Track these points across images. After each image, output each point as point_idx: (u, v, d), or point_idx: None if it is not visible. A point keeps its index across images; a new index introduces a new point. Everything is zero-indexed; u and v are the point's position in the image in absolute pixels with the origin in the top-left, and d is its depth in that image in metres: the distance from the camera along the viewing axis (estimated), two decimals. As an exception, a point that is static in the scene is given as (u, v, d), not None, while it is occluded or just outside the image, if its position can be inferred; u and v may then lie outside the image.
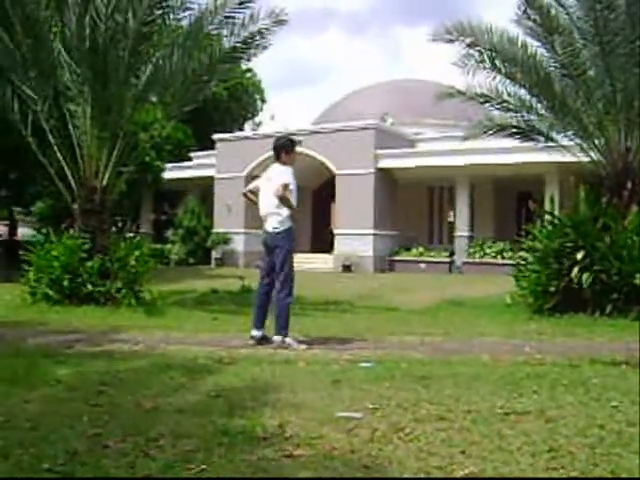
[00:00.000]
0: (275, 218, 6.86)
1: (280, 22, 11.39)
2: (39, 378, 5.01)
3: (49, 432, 3.58)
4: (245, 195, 7.41)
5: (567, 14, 11.16)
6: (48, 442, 3.41)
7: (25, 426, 3.70)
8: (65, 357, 5.93)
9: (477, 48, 11.70)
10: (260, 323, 7.00)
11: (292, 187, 6.86)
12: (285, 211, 6.82)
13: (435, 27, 11.89)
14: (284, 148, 7.04)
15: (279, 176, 6.87)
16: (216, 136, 30.75)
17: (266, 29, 11.43)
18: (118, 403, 4.25)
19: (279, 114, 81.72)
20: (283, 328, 6.76)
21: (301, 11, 67.72)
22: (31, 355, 6.00)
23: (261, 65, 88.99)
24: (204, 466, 3.06)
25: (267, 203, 6.95)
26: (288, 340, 6.72)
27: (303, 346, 6.66)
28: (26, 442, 3.38)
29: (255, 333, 6.97)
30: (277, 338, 6.75)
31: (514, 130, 12.68)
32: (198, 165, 31.67)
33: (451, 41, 11.78)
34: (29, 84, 11.05)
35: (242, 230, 28.74)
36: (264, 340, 6.93)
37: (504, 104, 12.23)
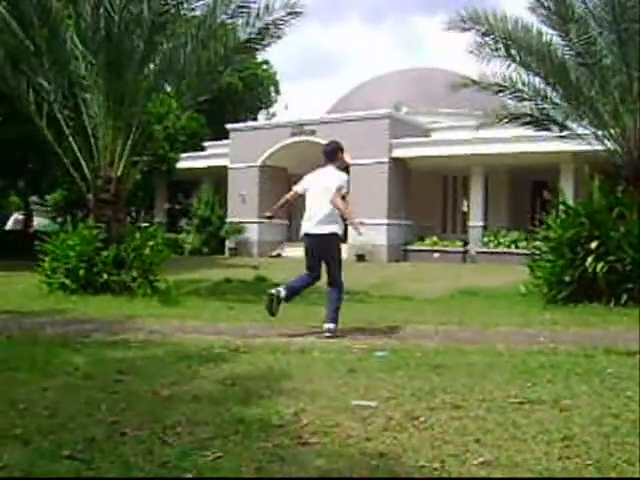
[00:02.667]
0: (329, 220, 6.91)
1: (295, 13, 11.35)
2: (57, 366, 5.07)
3: (68, 419, 3.63)
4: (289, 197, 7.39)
5: (583, 2, 11.07)
6: (67, 429, 3.46)
7: (44, 413, 3.75)
8: (82, 346, 6.00)
9: (492, 36, 11.64)
10: (287, 287, 7.05)
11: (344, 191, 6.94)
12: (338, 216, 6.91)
13: (450, 15, 11.84)
14: (340, 149, 7.16)
15: (335, 181, 6.93)
16: (230, 126, 30.74)
17: (281, 20, 11.40)
18: (135, 391, 4.29)
19: (294, 103, 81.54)
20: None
21: (317, 0, 67.47)
22: (49, 344, 6.07)
23: (276, 54, 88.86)
24: (220, 453, 3.09)
25: (320, 205, 6.96)
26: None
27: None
28: (45, 429, 3.44)
29: (280, 289, 7.03)
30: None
31: (529, 119, 12.60)
32: (212, 155, 31.68)
33: (466, 29, 11.72)
34: (44, 75, 11.10)
35: (256, 220, 28.76)
36: (281, 300, 6.97)
37: (518, 93, 12.15)
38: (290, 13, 11.36)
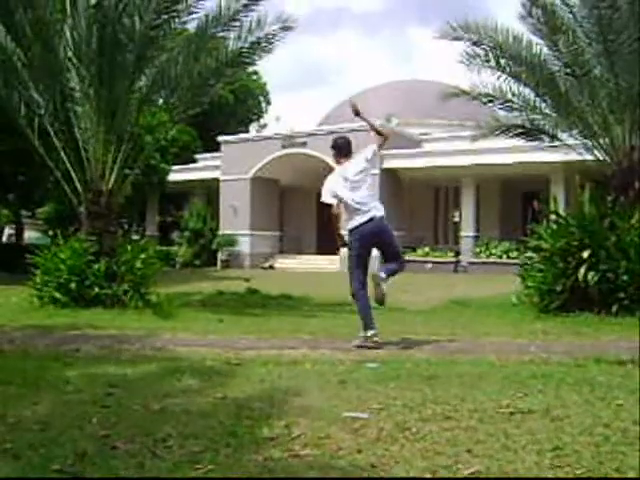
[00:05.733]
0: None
1: (287, 28, 11.38)
2: (48, 380, 5.04)
3: (58, 433, 3.61)
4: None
5: (571, 13, 11.14)
6: (58, 443, 3.44)
7: (35, 427, 3.73)
8: (73, 359, 5.97)
9: (482, 46, 11.71)
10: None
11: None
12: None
13: (441, 25, 11.89)
14: (333, 147, 7.48)
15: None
16: (221, 138, 30.81)
17: (273, 34, 11.44)
18: (126, 405, 4.28)
19: (286, 116, 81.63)
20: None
21: (313, 11, 67.82)
22: (40, 358, 6.04)
23: (269, 65, 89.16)
24: (212, 466, 3.08)
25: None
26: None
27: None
28: (36, 443, 3.42)
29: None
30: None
31: (519, 130, 12.68)
32: (203, 167, 31.74)
33: (457, 39, 11.78)
34: (35, 87, 11.11)
35: (248, 232, 28.79)
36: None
37: (508, 103, 12.23)
38: (282, 28, 11.41)
